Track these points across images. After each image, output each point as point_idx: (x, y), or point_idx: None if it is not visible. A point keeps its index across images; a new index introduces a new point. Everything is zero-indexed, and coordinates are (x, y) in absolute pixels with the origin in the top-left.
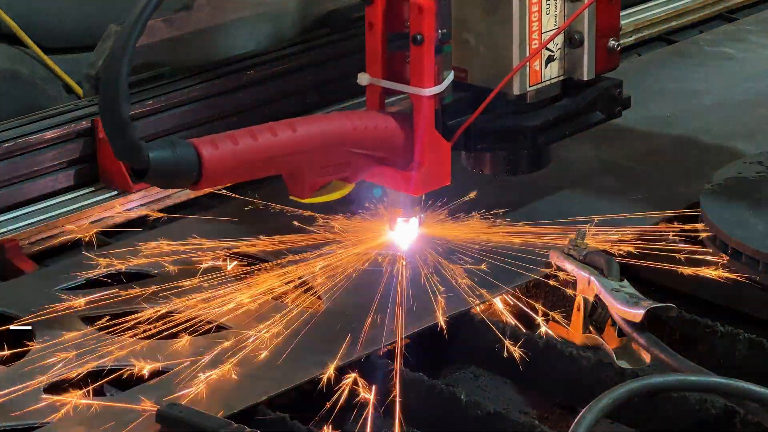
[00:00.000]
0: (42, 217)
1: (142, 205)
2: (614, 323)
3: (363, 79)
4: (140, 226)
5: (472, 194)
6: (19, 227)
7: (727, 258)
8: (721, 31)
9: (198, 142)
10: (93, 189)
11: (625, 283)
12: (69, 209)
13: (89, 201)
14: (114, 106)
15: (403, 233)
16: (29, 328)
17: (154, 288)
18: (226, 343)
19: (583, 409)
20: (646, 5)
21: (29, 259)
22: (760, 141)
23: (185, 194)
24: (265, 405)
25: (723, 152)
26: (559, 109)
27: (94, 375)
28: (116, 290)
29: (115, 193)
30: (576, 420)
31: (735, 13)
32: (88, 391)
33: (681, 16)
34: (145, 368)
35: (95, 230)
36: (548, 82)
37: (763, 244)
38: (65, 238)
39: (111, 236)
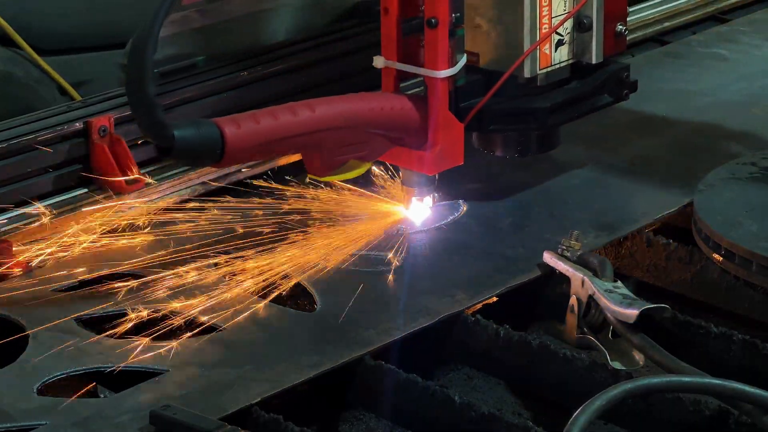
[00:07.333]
0: (35, 218)
1: (135, 206)
2: (608, 324)
3: (378, 62)
4: (133, 227)
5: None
6: (12, 228)
7: (721, 258)
8: (714, 32)
9: (221, 121)
10: (86, 191)
11: (619, 283)
12: (62, 211)
13: (82, 203)
14: (140, 85)
15: (417, 212)
16: (23, 329)
17: (147, 289)
18: (220, 344)
19: (577, 410)
20: (639, 6)
21: (22, 260)
22: (753, 142)
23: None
24: (259, 406)
25: (716, 153)
26: (569, 92)
27: (88, 376)
28: (110, 291)
29: (109, 195)
30: (570, 421)
31: (727, 14)
32: (82, 393)
33: (674, 17)
34: (139, 368)
35: (89, 232)
36: (558, 66)
37: (756, 244)
38: (58, 239)
39: (104, 238)
